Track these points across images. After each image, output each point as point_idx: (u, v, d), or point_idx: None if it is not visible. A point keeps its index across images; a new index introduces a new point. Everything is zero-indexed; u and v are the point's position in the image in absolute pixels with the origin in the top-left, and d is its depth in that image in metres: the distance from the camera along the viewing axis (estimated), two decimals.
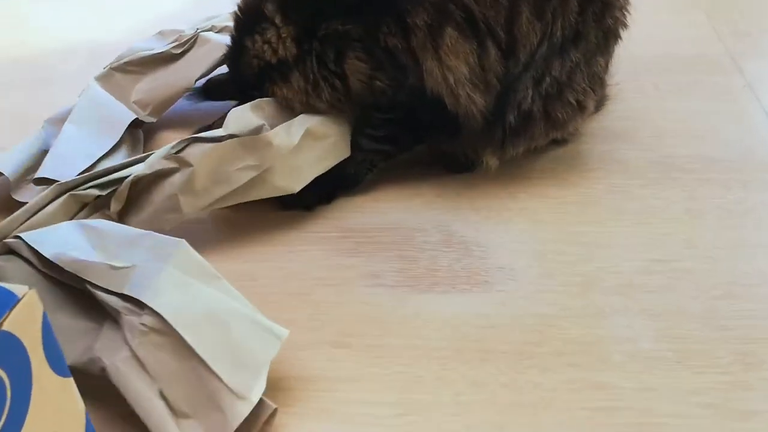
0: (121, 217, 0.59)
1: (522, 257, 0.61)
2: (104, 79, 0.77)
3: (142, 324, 0.46)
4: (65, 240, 0.51)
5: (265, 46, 0.64)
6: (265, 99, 0.64)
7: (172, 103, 0.76)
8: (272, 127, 0.61)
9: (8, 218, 0.57)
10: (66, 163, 0.66)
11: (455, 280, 0.59)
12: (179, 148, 0.59)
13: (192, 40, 0.78)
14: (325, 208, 0.67)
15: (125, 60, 0.77)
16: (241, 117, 0.61)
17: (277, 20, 0.63)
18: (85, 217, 0.58)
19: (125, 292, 0.47)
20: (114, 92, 0.76)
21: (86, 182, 0.59)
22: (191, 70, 0.75)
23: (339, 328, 0.55)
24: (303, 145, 0.62)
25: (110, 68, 0.77)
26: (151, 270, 0.48)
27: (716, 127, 0.77)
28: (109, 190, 0.59)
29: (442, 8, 0.60)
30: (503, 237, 0.63)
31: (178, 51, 0.78)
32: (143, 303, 0.46)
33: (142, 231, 0.52)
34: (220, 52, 0.73)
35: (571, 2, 0.62)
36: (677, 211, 0.66)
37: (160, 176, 0.59)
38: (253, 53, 0.64)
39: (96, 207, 0.59)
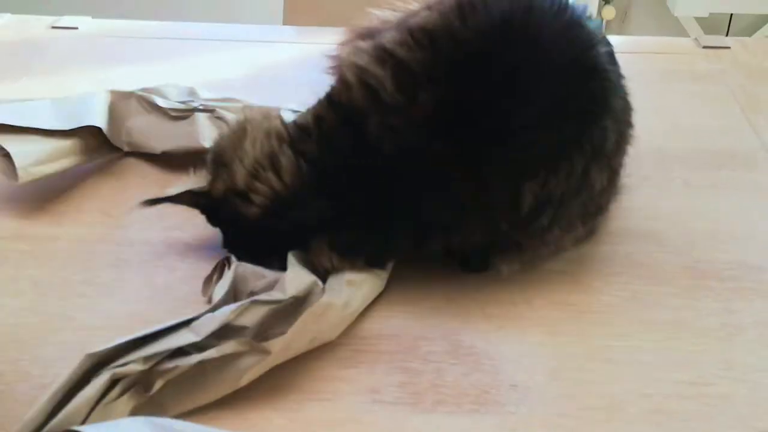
0: (156, 398, 0.50)
1: (538, 374, 0.55)
2: (119, 94, 0.81)
3: None
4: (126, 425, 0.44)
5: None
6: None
7: (147, 150, 0.80)
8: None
9: (35, 409, 0.46)
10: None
11: (462, 399, 0.53)
12: (239, 311, 0.52)
13: (190, 114, 0.80)
14: None
15: (144, 96, 0.81)
16: (298, 275, 0.56)
17: None
18: (117, 397, 0.48)
19: None
20: (116, 108, 0.80)
21: (123, 350, 0.50)
22: (176, 139, 0.78)
23: None
24: (349, 298, 0.57)
25: (132, 91, 0.81)
26: None
27: (755, 228, 0.71)
28: (151, 364, 0.49)
29: None
30: (517, 350, 0.57)
31: (174, 114, 0.80)
32: None
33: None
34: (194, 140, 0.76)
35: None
36: (712, 325, 0.60)
37: (223, 362, 0.51)
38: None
39: (129, 383, 0.49)
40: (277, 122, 0.63)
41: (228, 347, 0.50)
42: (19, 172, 0.69)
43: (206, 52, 1.08)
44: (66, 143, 0.75)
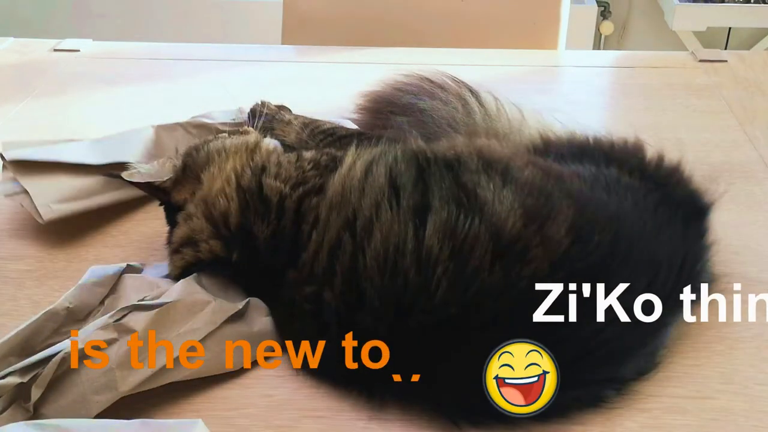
0: (36, 409, 0.49)
1: None
2: (165, 128, 0.80)
3: None
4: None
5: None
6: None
7: None
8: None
9: None
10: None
11: None
12: (118, 316, 0.53)
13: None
14: None
15: (192, 121, 0.81)
16: (189, 286, 0.57)
17: None
18: (1, 412, 0.48)
19: None
20: (161, 142, 0.79)
21: (17, 351, 0.51)
22: None
23: None
24: (228, 307, 0.57)
25: (177, 122, 0.80)
26: None
27: (753, 240, 0.71)
28: (31, 375, 0.49)
29: None
30: None
31: (223, 129, 0.77)
32: None
33: (142, 420, 0.45)
34: None
35: None
36: (711, 338, 0.59)
37: (93, 350, 0.51)
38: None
39: (11, 398, 0.49)
40: (257, 163, 0.65)
41: (92, 335, 0.51)
42: (41, 210, 0.68)
43: (206, 72, 1.09)
44: (93, 181, 0.73)
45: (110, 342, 0.52)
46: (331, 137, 0.78)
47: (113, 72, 1.08)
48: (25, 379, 0.49)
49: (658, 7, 2.13)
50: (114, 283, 0.60)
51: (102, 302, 0.59)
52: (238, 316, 0.57)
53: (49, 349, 0.51)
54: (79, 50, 1.13)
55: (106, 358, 0.51)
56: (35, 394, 0.49)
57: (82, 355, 0.50)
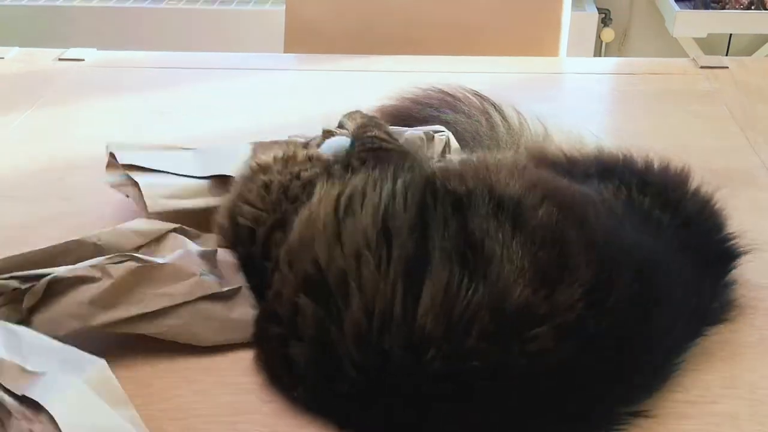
0: (30, 314, 0.56)
1: None
2: (263, 145, 0.77)
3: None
4: None
5: None
6: None
7: None
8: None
9: None
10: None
11: None
12: (114, 261, 0.57)
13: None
14: None
15: (291, 138, 0.80)
16: (186, 255, 0.59)
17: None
18: None
19: (27, 394, 0.45)
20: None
21: (11, 269, 0.57)
22: None
23: None
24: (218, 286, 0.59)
25: (274, 140, 0.79)
26: (60, 380, 0.46)
27: (757, 246, 0.71)
28: (28, 285, 0.56)
29: None
30: None
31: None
32: (39, 410, 0.45)
33: (63, 344, 0.50)
34: None
35: None
36: (714, 343, 0.59)
37: (79, 282, 0.56)
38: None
39: (10, 298, 0.56)
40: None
41: (80, 269, 0.56)
42: (148, 202, 0.69)
43: (210, 80, 1.09)
44: (199, 183, 0.74)
45: (92, 280, 0.56)
46: (367, 152, 0.67)
47: (117, 81, 1.09)
48: (23, 287, 0.56)
49: (659, 14, 2.13)
50: (158, 237, 0.63)
51: (138, 249, 0.62)
52: (220, 298, 0.59)
53: (50, 269, 0.57)
54: (83, 59, 1.14)
55: (84, 292, 0.56)
56: (28, 301, 0.56)
57: (69, 283, 0.56)
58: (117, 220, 0.76)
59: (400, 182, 0.56)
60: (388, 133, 0.71)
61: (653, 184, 0.63)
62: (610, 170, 0.65)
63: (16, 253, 0.71)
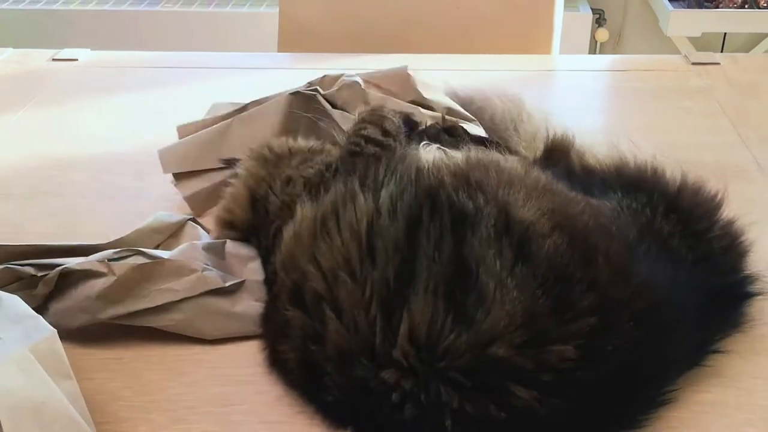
0: (46, 301, 0.58)
1: None
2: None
3: None
4: None
5: None
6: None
7: None
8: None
9: None
10: None
11: None
12: (120, 256, 0.58)
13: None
14: None
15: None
16: (189, 250, 0.60)
17: None
18: (13, 291, 0.55)
19: None
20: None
21: (30, 257, 0.59)
22: None
23: None
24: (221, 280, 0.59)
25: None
26: (8, 346, 0.47)
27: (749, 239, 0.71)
28: (43, 273, 0.58)
29: None
30: None
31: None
32: None
33: (31, 312, 0.51)
34: None
35: None
36: None
37: (86, 276, 0.58)
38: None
39: (27, 284, 0.58)
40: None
41: (88, 263, 0.58)
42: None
43: (203, 80, 1.10)
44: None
45: (99, 274, 0.58)
46: (350, 157, 0.63)
47: (111, 80, 1.09)
48: (38, 274, 0.58)
49: (653, 14, 2.14)
50: (175, 231, 0.65)
51: (157, 247, 0.64)
52: (223, 292, 0.59)
53: (63, 259, 0.59)
54: (77, 59, 1.14)
55: (92, 287, 0.57)
56: (41, 289, 0.58)
57: (78, 276, 0.58)
58: (110, 217, 0.77)
59: (384, 193, 0.53)
60: (388, 131, 0.66)
61: (680, 210, 0.58)
62: (636, 185, 0.60)
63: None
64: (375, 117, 0.67)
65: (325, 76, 0.83)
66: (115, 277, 0.57)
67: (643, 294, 0.49)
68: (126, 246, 0.61)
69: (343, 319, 0.48)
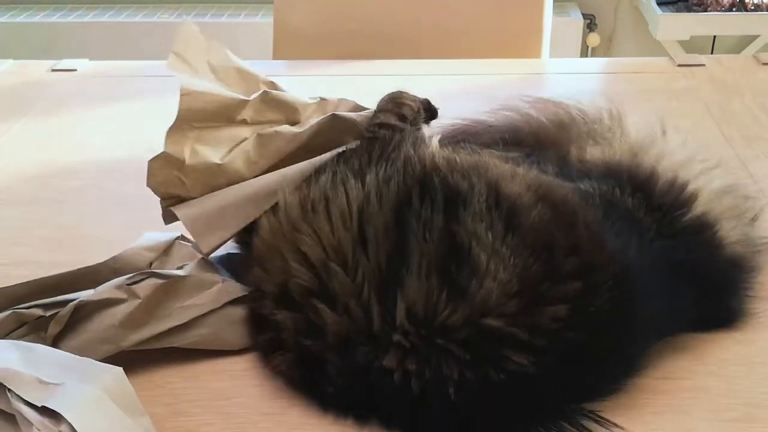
0: (56, 342, 0.56)
1: None
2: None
3: None
4: (5, 346, 0.51)
5: None
6: None
7: None
8: None
9: None
10: None
11: None
12: (135, 280, 0.57)
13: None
14: None
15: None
16: (204, 265, 0.60)
17: None
18: (21, 337, 0.56)
19: (46, 405, 0.46)
20: None
21: (31, 297, 0.57)
22: None
23: None
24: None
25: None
26: (78, 389, 0.47)
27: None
28: (52, 312, 0.56)
29: None
30: None
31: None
32: (60, 421, 0.45)
33: (78, 356, 0.51)
34: None
35: None
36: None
37: (105, 305, 0.56)
38: None
39: (34, 327, 0.56)
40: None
41: (106, 292, 0.56)
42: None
43: None
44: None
45: (119, 301, 0.56)
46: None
47: (109, 90, 1.11)
48: (47, 314, 0.56)
49: (643, 18, 2.17)
50: (166, 249, 0.64)
51: (150, 265, 0.63)
52: (244, 300, 0.59)
53: (72, 294, 0.57)
54: (75, 70, 1.16)
55: (113, 315, 0.56)
56: (53, 329, 0.55)
57: (95, 307, 0.56)
58: (111, 223, 0.79)
59: (371, 177, 0.54)
60: (404, 116, 0.66)
61: (646, 189, 0.62)
62: (610, 173, 0.64)
63: (12, 251, 0.74)
64: (391, 105, 0.68)
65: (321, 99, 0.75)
66: (140, 300, 0.56)
67: (616, 258, 0.53)
68: (122, 263, 0.61)
69: (337, 308, 0.50)
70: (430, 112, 0.71)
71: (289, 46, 1.31)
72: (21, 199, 0.84)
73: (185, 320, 0.57)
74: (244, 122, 0.65)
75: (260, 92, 0.66)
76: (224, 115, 0.64)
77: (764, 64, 1.12)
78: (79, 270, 0.61)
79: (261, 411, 0.55)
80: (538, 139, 0.74)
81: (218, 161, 0.62)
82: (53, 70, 1.16)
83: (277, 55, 1.32)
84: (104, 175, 0.88)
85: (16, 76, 1.16)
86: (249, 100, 0.65)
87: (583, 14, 2.20)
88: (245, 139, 0.64)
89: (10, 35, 2.23)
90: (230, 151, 0.63)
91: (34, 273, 0.70)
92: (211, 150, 0.62)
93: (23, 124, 1.01)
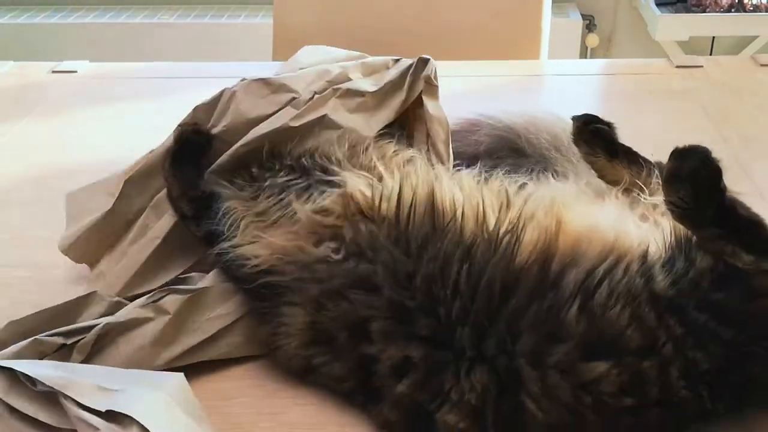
0: None
1: None
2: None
3: None
4: (45, 365, 0.50)
5: None
6: None
7: None
8: None
9: None
10: None
11: None
12: (157, 297, 0.57)
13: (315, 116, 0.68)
14: None
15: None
16: (217, 273, 0.60)
17: None
18: None
19: (113, 409, 0.45)
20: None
21: (51, 324, 0.55)
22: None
23: None
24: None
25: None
26: (141, 394, 0.46)
27: None
28: (74, 339, 0.54)
29: None
30: None
31: (296, 124, 0.67)
32: (126, 425, 0.44)
33: (127, 369, 0.51)
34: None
35: None
36: None
37: (131, 326, 0.55)
38: None
39: (55, 358, 0.54)
40: None
41: (131, 312, 0.55)
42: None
43: (199, 90, 1.12)
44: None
45: (146, 320, 0.55)
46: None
47: (109, 91, 1.12)
48: (68, 342, 0.54)
49: (642, 19, 2.17)
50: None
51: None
52: None
53: (91, 321, 0.56)
54: (76, 71, 1.17)
55: (142, 335, 0.55)
56: (76, 357, 0.54)
57: (120, 331, 0.55)
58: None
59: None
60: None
61: None
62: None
63: (12, 252, 0.75)
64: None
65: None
66: (169, 315, 0.55)
67: None
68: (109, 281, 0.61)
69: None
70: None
71: (289, 46, 1.31)
72: (21, 200, 0.85)
73: (214, 332, 0.56)
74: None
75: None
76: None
77: (762, 65, 1.13)
78: (81, 297, 0.59)
79: (262, 411, 0.55)
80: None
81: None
82: (54, 72, 1.17)
83: (277, 56, 1.33)
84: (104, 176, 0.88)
85: (16, 78, 1.17)
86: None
87: (582, 15, 2.20)
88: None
89: (11, 36, 2.24)
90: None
91: (35, 274, 0.71)
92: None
93: (24, 126, 1.01)
